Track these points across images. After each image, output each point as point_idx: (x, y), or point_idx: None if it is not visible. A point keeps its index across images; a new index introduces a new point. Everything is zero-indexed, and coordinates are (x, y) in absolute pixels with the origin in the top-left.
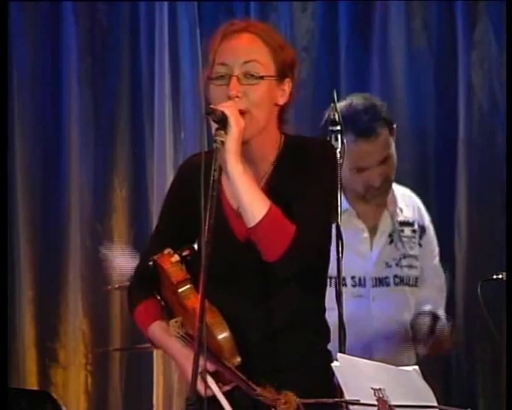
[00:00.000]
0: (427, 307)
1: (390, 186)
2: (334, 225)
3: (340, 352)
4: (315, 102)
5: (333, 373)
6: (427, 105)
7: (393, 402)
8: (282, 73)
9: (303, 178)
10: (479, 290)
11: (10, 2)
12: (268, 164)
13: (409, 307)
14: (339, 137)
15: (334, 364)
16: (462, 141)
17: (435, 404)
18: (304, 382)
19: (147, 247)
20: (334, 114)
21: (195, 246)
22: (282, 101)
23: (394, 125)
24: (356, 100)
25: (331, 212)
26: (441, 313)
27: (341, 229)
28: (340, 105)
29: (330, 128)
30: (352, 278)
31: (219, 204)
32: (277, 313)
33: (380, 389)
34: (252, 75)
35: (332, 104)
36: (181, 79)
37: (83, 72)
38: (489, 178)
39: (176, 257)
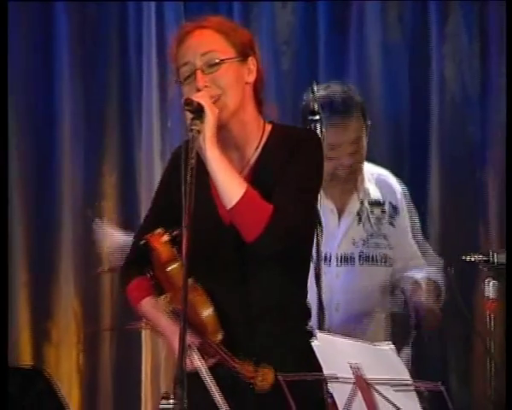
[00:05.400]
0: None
1: (357, 173)
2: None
3: (320, 330)
4: (295, 93)
5: (313, 354)
6: (402, 96)
7: (369, 377)
8: (243, 52)
9: (286, 164)
10: (451, 272)
11: (10, 1)
12: (252, 149)
13: (376, 283)
14: (318, 126)
15: (314, 343)
16: (434, 131)
17: (409, 378)
18: (283, 363)
19: (141, 227)
20: (313, 105)
21: None
22: (251, 78)
23: (369, 122)
24: (334, 85)
25: (314, 197)
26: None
27: (320, 213)
28: (320, 88)
29: (310, 117)
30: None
31: (207, 188)
32: (259, 295)
33: (357, 364)
34: (213, 63)
35: (311, 95)
36: (167, 72)
37: (74, 66)
38: (461, 167)
39: (166, 237)
